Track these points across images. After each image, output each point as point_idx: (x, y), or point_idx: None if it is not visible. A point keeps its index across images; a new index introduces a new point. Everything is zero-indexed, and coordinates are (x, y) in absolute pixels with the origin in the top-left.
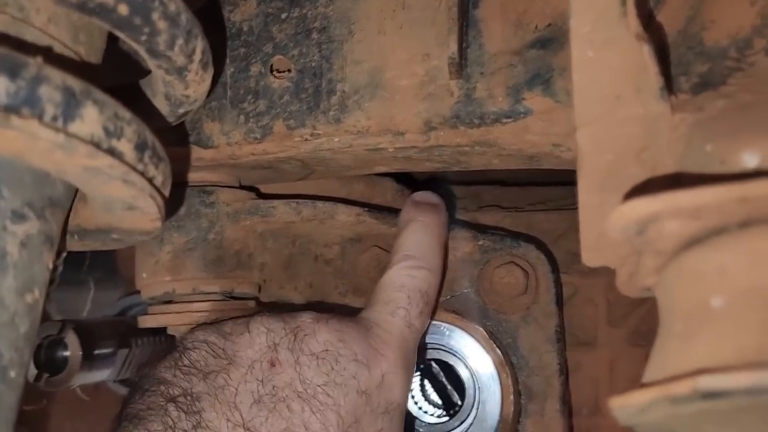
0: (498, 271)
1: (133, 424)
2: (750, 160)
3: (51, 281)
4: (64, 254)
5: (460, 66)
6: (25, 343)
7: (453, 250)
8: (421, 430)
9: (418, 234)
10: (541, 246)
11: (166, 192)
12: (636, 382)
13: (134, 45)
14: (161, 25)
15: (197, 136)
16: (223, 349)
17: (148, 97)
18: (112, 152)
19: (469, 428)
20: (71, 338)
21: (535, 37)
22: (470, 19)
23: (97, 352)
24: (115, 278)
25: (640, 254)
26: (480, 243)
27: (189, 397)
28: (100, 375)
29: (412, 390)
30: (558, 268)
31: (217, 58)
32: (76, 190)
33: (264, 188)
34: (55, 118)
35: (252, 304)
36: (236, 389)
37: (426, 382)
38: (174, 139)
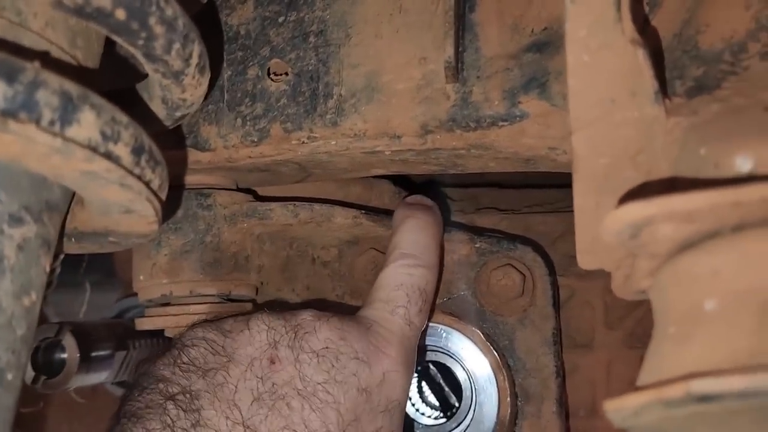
0: (495, 274)
1: (131, 422)
2: (743, 164)
3: (49, 283)
4: (62, 256)
5: (457, 70)
6: (23, 345)
7: (450, 253)
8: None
9: (413, 232)
10: (537, 248)
11: (163, 195)
12: (632, 384)
13: (131, 49)
14: (158, 29)
15: (194, 139)
16: (222, 347)
17: (145, 101)
18: (109, 156)
19: (466, 430)
20: (69, 340)
21: (531, 40)
22: (467, 22)
23: (94, 354)
24: (112, 280)
25: (635, 257)
26: (477, 245)
27: (188, 395)
28: (98, 377)
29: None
30: (555, 270)
31: (215, 61)
32: (73, 194)
33: (261, 191)
34: (52, 123)
35: (249, 306)
36: (235, 387)
37: (423, 383)
38: (171, 142)
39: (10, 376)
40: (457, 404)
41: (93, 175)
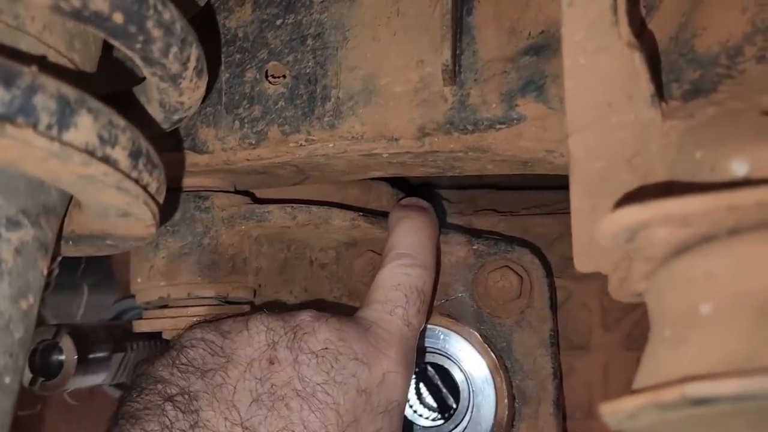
0: (492, 276)
1: (129, 424)
2: (739, 168)
3: (46, 285)
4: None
5: (454, 72)
6: (20, 348)
7: (448, 255)
8: None
9: (410, 232)
10: (535, 250)
11: (161, 198)
12: (629, 386)
13: (129, 53)
14: (156, 33)
15: (192, 142)
16: (221, 347)
17: (142, 104)
18: (106, 160)
19: (463, 431)
20: (66, 342)
21: (529, 44)
22: (464, 25)
23: (92, 356)
24: (110, 282)
25: (631, 260)
26: (474, 247)
27: (186, 396)
28: (96, 379)
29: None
30: (552, 272)
31: (212, 64)
32: (71, 197)
33: (259, 193)
34: (49, 127)
35: (247, 308)
36: (234, 388)
37: (421, 385)
38: (169, 144)
39: (7, 380)
40: (454, 406)
41: (90, 178)
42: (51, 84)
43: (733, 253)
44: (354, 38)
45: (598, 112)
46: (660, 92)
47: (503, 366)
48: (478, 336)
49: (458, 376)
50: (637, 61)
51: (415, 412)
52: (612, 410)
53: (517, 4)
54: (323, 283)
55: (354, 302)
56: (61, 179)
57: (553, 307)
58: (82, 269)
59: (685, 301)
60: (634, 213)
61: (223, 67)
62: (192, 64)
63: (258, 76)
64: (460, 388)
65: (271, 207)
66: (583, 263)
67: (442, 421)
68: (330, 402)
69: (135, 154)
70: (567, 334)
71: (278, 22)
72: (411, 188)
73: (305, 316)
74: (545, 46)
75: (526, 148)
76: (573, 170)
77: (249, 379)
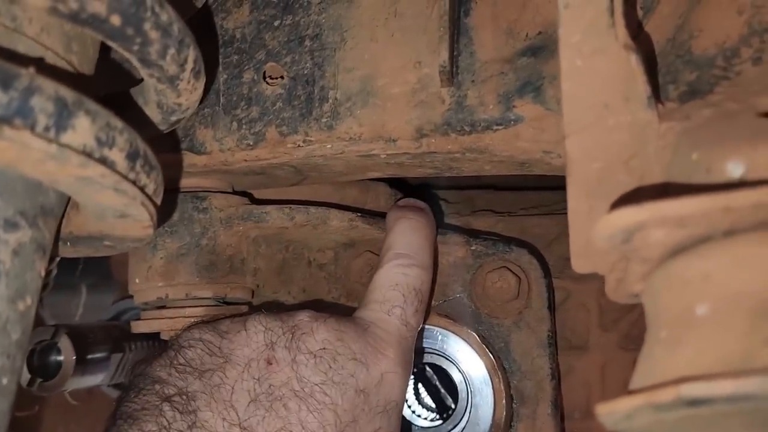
0: (490, 276)
1: (127, 424)
2: (735, 170)
3: (45, 286)
4: (58, 259)
5: (452, 74)
6: (17, 350)
7: (445, 255)
8: None
9: (407, 232)
10: (533, 251)
11: (158, 199)
12: (627, 386)
13: (126, 55)
14: (153, 35)
15: (190, 143)
16: (219, 348)
17: (140, 106)
18: (104, 162)
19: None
20: (64, 343)
21: (526, 45)
22: (462, 27)
23: (90, 356)
24: (108, 283)
25: (628, 261)
26: (472, 248)
27: (184, 396)
28: (94, 379)
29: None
30: (550, 272)
31: (210, 65)
32: (69, 198)
33: (257, 194)
34: (47, 129)
35: (245, 309)
36: (232, 388)
37: (420, 385)
38: (167, 145)
39: (5, 381)
40: (453, 406)
41: (88, 180)
42: (49, 86)
43: (729, 254)
44: (352, 39)
45: (595, 114)
46: (657, 94)
47: (501, 366)
48: (476, 336)
49: (456, 376)
50: (634, 62)
51: (413, 412)
52: (608, 411)
53: (514, 5)
54: (321, 283)
55: (352, 303)
56: (58, 181)
57: (551, 307)
58: (80, 270)
59: (681, 302)
60: (631, 214)
61: (220, 69)
62: (189, 65)
63: (256, 78)
64: (459, 389)
65: (269, 208)
66: (580, 264)
67: (440, 422)
68: (328, 402)
69: (132, 156)
70: (565, 335)
71: (276, 23)
72: (409, 189)
73: (303, 317)
74: (542, 48)
75: (523, 149)
76: (570, 171)
77: (247, 380)
